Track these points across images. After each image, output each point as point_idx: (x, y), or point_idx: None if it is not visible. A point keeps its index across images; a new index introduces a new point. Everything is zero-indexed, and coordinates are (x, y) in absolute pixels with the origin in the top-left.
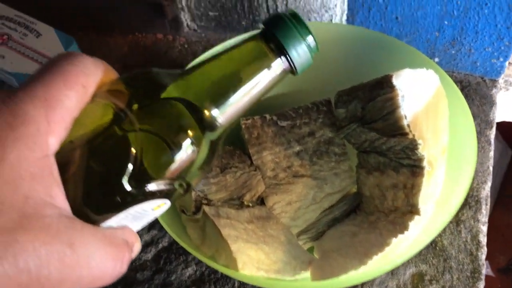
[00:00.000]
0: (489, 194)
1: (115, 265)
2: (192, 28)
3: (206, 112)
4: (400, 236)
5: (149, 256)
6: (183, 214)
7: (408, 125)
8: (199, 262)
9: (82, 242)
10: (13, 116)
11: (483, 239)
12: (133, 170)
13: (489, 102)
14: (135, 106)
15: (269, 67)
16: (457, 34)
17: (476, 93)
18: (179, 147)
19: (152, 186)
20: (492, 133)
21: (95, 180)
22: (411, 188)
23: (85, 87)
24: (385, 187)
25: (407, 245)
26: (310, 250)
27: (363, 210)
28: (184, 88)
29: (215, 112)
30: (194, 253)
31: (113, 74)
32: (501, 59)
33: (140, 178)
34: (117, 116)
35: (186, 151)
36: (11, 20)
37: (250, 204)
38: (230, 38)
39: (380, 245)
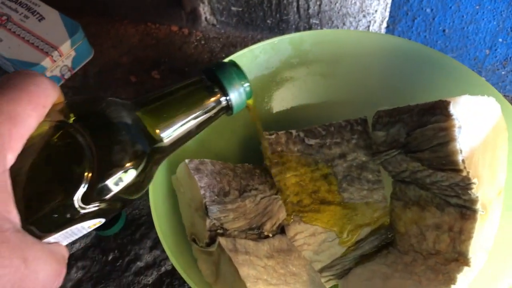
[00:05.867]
0: None
1: (56, 279)
2: (211, 23)
3: (155, 135)
4: None
5: (149, 280)
6: (194, 244)
7: (463, 161)
8: None
9: (34, 257)
10: None
11: None
12: (86, 190)
13: None
14: (86, 128)
15: (211, 103)
16: (511, 54)
17: None
18: (131, 168)
19: (100, 206)
20: None
21: (45, 197)
22: (459, 233)
23: (44, 107)
24: (426, 226)
25: None
26: None
27: (396, 248)
28: (136, 114)
29: (163, 135)
30: None
31: (62, 97)
32: None
33: (91, 197)
34: (69, 136)
35: (136, 172)
36: None
37: (270, 234)
38: (251, 37)
39: None
